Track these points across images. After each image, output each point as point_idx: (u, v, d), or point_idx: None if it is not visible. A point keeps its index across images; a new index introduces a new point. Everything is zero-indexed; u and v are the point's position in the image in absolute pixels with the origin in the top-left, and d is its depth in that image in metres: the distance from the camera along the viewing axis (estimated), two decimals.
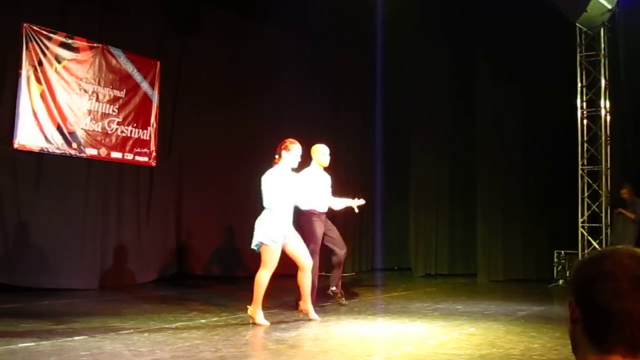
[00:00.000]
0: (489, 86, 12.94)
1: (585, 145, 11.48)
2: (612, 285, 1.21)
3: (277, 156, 6.89)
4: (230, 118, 11.55)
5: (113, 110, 10.04)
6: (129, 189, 10.29)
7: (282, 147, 6.86)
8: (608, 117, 11.31)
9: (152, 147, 10.62)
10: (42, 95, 9.07)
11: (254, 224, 6.78)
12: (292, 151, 6.83)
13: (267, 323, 6.50)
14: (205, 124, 11.23)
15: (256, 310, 6.55)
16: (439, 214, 14.02)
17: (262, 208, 6.78)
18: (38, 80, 9.02)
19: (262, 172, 6.87)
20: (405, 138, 14.40)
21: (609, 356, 1.21)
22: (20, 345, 5.15)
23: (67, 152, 9.37)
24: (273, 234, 6.57)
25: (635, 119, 11.32)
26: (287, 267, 7.03)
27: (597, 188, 11.31)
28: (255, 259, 7.11)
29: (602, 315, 1.21)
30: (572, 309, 1.27)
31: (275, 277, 6.84)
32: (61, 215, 9.24)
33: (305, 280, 6.80)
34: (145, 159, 10.52)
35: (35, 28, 9.00)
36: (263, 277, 6.59)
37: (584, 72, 11.51)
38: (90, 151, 9.69)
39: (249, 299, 6.63)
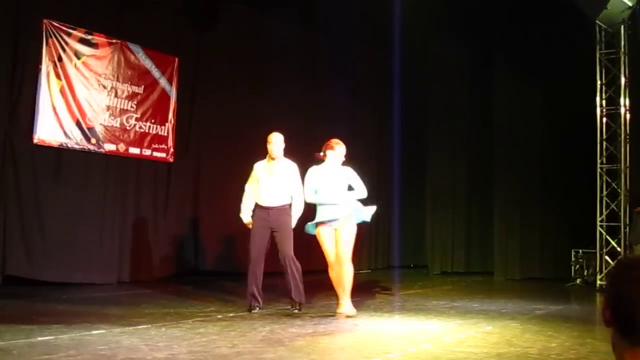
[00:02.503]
0: (507, 84, 12.85)
1: (605, 143, 11.37)
2: None
3: (322, 154, 7.18)
4: (248, 114, 11.54)
5: (131, 106, 10.09)
6: (147, 185, 10.35)
7: (327, 147, 7.17)
8: (628, 116, 11.18)
9: (170, 143, 10.66)
10: (62, 91, 9.14)
11: None
12: (337, 151, 7.14)
13: (353, 312, 6.84)
14: (223, 120, 11.25)
15: (341, 302, 6.89)
16: (455, 211, 13.96)
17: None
18: (57, 76, 9.09)
19: None
20: (422, 136, 14.35)
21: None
22: (39, 338, 5.20)
23: (85, 147, 9.44)
24: (312, 223, 7.00)
25: None
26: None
27: (615, 187, 11.20)
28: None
29: (632, 308, 1.27)
30: (603, 312, 1.30)
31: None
32: (80, 210, 9.32)
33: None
34: (163, 154, 10.57)
35: (55, 24, 9.07)
36: (330, 272, 7.02)
37: (603, 70, 11.39)
38: (109, 147, 9.75)
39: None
